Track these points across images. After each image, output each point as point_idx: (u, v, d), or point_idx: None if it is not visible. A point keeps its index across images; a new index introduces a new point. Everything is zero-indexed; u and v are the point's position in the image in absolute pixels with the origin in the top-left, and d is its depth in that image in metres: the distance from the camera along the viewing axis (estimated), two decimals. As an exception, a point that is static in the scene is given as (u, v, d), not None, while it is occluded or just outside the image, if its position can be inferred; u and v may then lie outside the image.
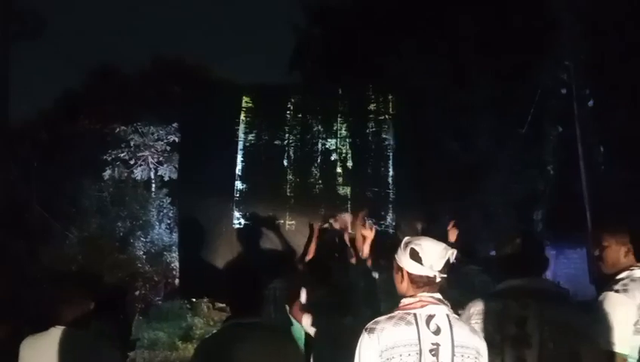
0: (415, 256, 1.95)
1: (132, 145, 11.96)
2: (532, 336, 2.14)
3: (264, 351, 2.27)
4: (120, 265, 10.18)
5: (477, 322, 2.21)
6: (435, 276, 1.93)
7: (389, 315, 1.94)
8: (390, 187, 6.23)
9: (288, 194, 6.36)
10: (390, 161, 6.32)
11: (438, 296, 1.96)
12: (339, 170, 6.38)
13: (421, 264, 1.94)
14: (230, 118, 6.67)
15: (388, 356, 1.84)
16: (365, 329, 1.92)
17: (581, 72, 9.77)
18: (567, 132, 10.57)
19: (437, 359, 1.83)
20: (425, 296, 1.93)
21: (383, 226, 6.04)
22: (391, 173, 6.28)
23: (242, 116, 6.65)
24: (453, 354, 1.84)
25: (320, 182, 6.38)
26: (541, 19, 9.98)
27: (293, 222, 6.21)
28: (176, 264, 11.08)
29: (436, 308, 1.91)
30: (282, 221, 6.23)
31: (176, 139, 11.23)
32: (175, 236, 11.37)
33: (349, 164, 6.41)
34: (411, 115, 6.76)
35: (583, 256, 10.82)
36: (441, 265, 1.94)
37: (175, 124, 11.31)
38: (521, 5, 10.02)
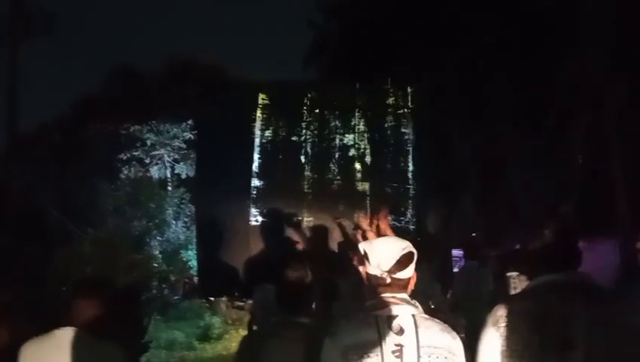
0: (365, 255, 1.97)
1: (148, 143, 12.22)
2: (577, 336, 1.94)
3: (292, 349, 2.28)
4: (136, 265, 10.44)
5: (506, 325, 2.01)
6: (383, 276, 1.91)
7: (350, 317, 1.96)
8: (410, 182, 6.31)
9: (306, 190, 6.46)
10: (410, 156, 6.39)
11: (403, 295, 1.93)
12: (357, 165, 6.45)
13: (369, 263, 1.95)
14: (246, 115, 6.80)
15: (348, 357, 1.83)
16: (327, 333, 1.93)
17: (610, 62, 9.70)
18: (598, 122, 10.49)
19: (401, 360, 1.81)
20: (387, 296, 1.91)
21: (403, 222, 6.13)
22: (411, 168, 6.34)
23: (259, 113, 6.77)
24: (418, 355, 1.82)
25: (338, 178, 6.47)
26: (572, 8, 9.93)
27: (311, 218, 6.31)
28: (193, 262, 11.33)
29: (399, 308, 1.89)
30: (300, 218, 6.35)
31: (192, 137, 11.46)
32: (192, 234, 11.62)
33: (368, 159, 6.49)
34: (431, 108, 6.85)
35: (614, 251, 10.71)
36: (389, 265, 1.90)
37: (190, 122, 11.55)
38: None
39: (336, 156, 6.54)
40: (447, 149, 8.07)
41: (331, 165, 6.54)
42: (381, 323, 1.85)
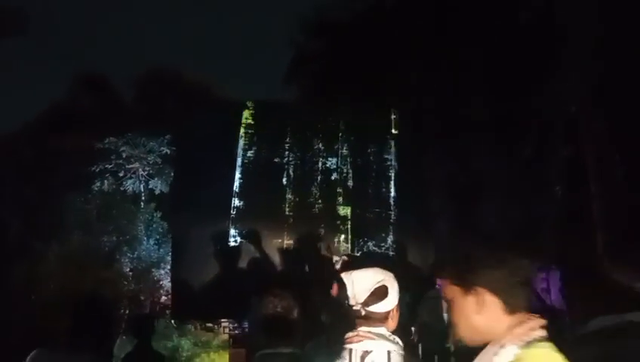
0: (344, 286, 2.02)
1: (123, 156, 12.13)
2: None
3: None
4: (104, 283, 10.32)
5: None
6: (357, 308, 1.96)
7: (328, 349, 2.02)
8: (391, 208, 6.51)
9: (287, 213, 6.59)
10: (392, 182, 6.61)
11: (379, 330, 1.96)
12: (339, 189, 6.63)
13: (347, 294, 2.00)
14: (229, 133, 6.93)
15: None
16: None
17: (592, 88, 10.07)
18: (578, 152, 10.80)
19: None
20: (363, 330, 1.95)
21: (384, 248, 6.31)
22: (392, 194, 6.55)
23: (241, 132, 6.91)
24: None
25: (320, 201, 6.63)
26: (549, 33, 10.32)
27: (291, 241, 6.44)
28: (164, 282, 11.24)
29: (373, 344, 1.92)
30: (280, 240, 6.46)
31: (169, 152, 11.46)
32: (164, 252, 11.53)
33: (350, 183, 6.68)
34: (413, 134, 7.09)
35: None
36: (363, 297, 1.95)
37: (168, 136, 11.56)
38: (527, 20, 10.39)
39: (319, 179, 6.70)
40: (431, 175, 8.30)
41: (313, 188, 6.68)
42: (354, 358, 1.91)
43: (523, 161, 10.35)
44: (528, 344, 1.38)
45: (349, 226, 6.42)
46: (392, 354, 1.91)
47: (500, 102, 9.85)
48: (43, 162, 12.32)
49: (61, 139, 12.71)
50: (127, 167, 11.98)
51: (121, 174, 12.02)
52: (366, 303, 1.95)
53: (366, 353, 1.91)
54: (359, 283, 1.97)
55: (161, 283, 11.09)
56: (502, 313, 1.43)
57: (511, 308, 1.43)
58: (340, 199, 6.58)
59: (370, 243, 6.30)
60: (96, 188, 11.46)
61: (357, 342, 1.93)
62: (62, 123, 13.21)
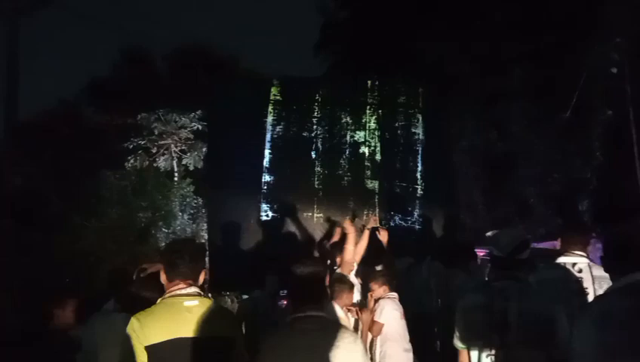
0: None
1: (155, 132, 12.65)
2: None
3: (323, 345, 2.50)
4: (140, 257, 10.97)
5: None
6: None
7: None
8: (418, 182, 6.82)
9: (316, 186, 6.94)
10: (419, 156, 6.89)
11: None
12: (367, 163, 6.94)
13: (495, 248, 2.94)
14: (258, 109, 7.26)
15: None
16: None
17: (635, 49, 9.97)
18: (618, 115, 10.76)
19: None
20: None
21: (410, 222, 6.65)
22: (419, 168, 6.85)
23: (270, 108, 7.23)
24: None
25: (348, 174, 6.96)
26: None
27: (321, 214, 6.81)
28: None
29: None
30: (310, 213, 6.85)
31: (200, 127, 11.91)
32: (198, 227, 12.13)
33: (378, 157, 6.98)
34: (443, 106, 7.29)
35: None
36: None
37: (199, 112, 11.97)
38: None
39: (347, 153, 7.01)
40: (460, 147, 8.51)
41: (342, 161, 7.00)
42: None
43: (561, 128, 10.42)
44: (163, 299, 2.60)
45: (376, 200, 6.76)
46: None
47: (535, 68, 9.88)
48: (79, 138, 13.02)
49: (95, 116, 13.36)
50: (159, 143, 12.54)
51: (154, 150, 12.60)
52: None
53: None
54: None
55: (196, 256, 11.69)
56: (166, 280, 2.66)
57: (169, 277, 2.65)
58: (368, 173, 6.90)
59: (396, 217, 6.65)
60: (129, 166, 12.06)
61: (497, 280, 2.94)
62: (96, 100, 13.84)
